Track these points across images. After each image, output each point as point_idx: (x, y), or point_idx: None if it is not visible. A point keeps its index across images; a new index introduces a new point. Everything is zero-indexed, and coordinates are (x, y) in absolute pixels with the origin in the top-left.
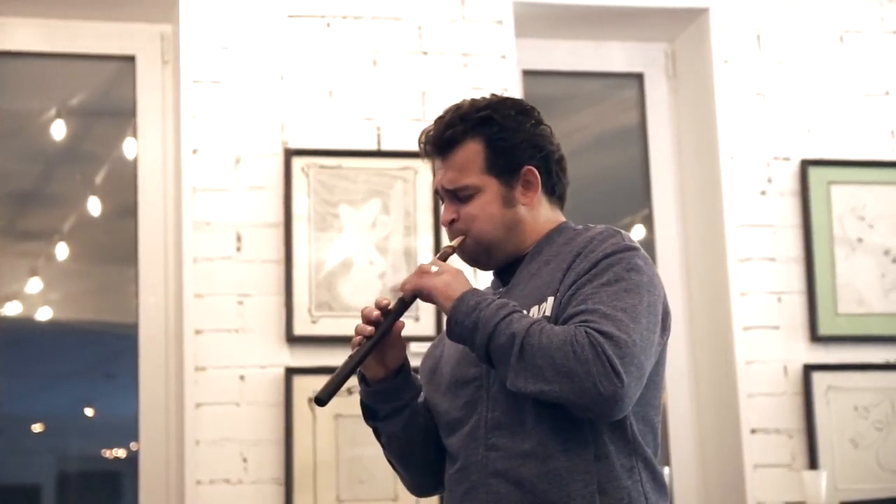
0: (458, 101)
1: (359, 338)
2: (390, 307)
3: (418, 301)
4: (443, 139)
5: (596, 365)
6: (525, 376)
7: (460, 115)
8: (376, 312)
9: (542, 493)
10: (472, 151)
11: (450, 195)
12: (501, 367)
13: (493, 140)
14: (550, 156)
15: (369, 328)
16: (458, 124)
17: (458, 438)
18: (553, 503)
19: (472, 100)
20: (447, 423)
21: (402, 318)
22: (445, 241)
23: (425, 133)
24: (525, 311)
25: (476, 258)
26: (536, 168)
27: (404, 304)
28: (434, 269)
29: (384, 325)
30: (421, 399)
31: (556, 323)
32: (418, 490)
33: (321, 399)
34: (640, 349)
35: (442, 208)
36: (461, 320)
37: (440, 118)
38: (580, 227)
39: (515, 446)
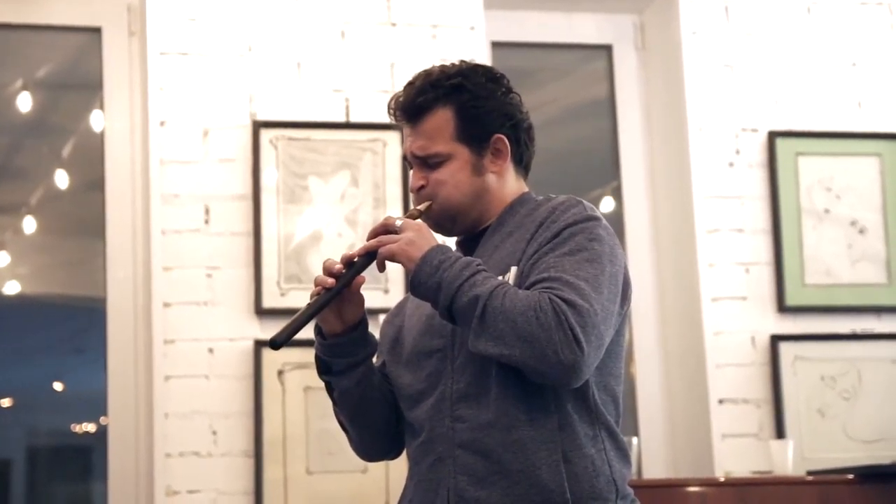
0: None
1: (318, 288)
2: (353, 261)
3: (387, 273)
4: (413, 106)
5: (558, 332)
6: (486, 338)
7: (431, 81)
8: (338, 266)
9: (508, 462)
10: (442, 119)
11: (419, 162)
12: (464, 328)
13: (465, 108)
14: (520, 124)
15: (330, 280)
16: (429, 91)
17: (422, 410)
18: (519, 472)
19: (442, 66)
20: (410, 395)
21: (364, 275)
22: None
23: (395, 99)
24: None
25: (441, 224)
26: (506, 136)
27: (367, 258)
28: (399, 223)
29: (346, 277)
30: (377, 362)
31: None
32: (366, 453)
33: (276, 342)
34: (601, 319)
35: (410, 174)
36: (424, 280)
37: (410, 84)
38: (541, 197)
39: (480, 417)
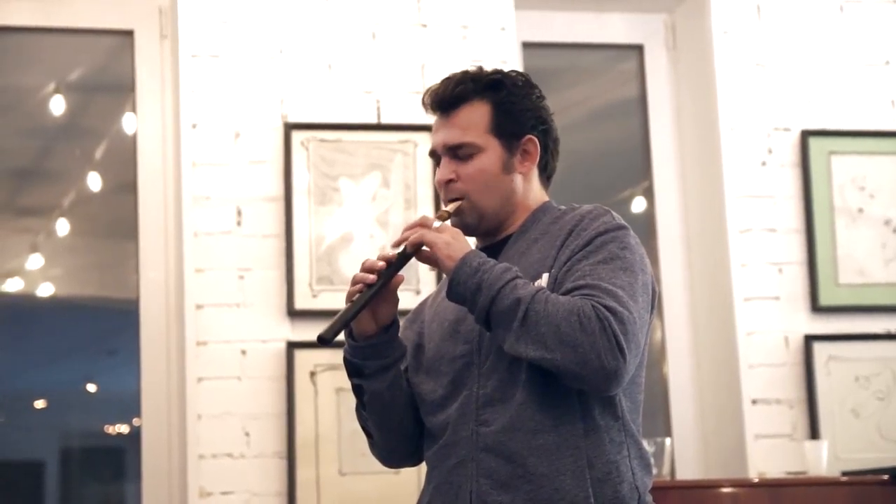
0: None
1: (359, 286)
2: (393, 260)
3: (419, 274)
4: (452, 95)
5: (602, 339)
6: (526, 341)
7: (470, 75)
8: (381, 263)
9: (532, 466)
10: (478, 111)
11: (449, 153)
12: (501, 331)
13: (502, 103)
14: (549, 132)
15: (371, 276)
16: (469, 83)
17: (444, 415)
18: (543, 476)
19: (479, 67)
20: (432, 401)
21: (402, 274)
22: None
23: (430, 91)
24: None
25: (468, 222)
26: (537, 139)
27: (405, 256)
28: (437, 224)
29: (387, 273)
30: (403, 365)
31: None
32: (389, 458)
33: (324, 338)
34: (639, 327)
35: (437, 171)
36: (464, 280)
37: (448, 78)
38: (564, 207)
39: (505, 421)
